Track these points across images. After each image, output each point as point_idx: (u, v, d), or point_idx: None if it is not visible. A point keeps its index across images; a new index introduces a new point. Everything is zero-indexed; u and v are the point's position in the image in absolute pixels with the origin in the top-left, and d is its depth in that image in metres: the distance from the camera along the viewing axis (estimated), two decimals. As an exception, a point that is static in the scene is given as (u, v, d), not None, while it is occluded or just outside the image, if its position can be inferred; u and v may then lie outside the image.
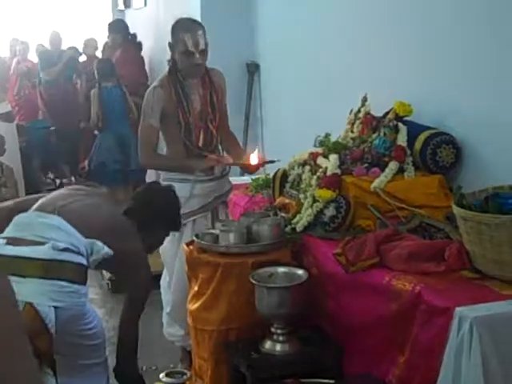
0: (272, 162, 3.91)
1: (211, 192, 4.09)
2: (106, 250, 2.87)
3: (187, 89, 4.03)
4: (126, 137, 7.45)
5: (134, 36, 8.62)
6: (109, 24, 8.79)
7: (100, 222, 3.04)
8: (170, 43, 4.03)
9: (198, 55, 3.94)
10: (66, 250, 2.77)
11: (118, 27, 8.63)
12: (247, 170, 4.07)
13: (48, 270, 2.73)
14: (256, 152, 3.93)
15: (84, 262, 2.84)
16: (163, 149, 4.21)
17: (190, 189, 4.00)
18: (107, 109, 7.42)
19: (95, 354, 2.97)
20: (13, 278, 2.60)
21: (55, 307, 2.73)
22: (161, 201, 3.38)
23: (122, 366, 3.12)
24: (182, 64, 3.98)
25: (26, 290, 2.64)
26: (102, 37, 9.30)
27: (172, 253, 4.02)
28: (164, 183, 4.16)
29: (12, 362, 0.79)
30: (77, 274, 2.83)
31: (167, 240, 4.15)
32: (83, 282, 2.86)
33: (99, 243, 2.86)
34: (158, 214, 3.32)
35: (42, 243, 2.76)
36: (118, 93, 7.54)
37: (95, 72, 7.64)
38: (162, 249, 4.23)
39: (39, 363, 2.67)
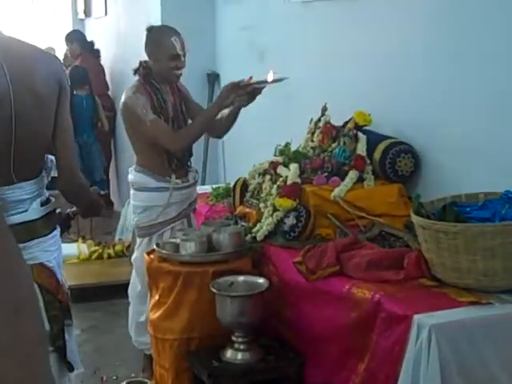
0: (280, 80, 3.71)
1: (186, 199, 4.09)
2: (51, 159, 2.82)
3: (164, 95, 4.03)
4: (92, 147, 7.40)
5: (92, 44, 8.58)
6: (66, 35, 8.70)
7: None
8: (148, 50, 4.00)
9: (183, 58, 3.96)
10: (47, 201, 2.74)
11: (75, 37, 8.57)
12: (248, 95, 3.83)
13: (44, 226, 2.70)
14: (271, 72, 3.72)
15: (54, 205, 2.80)
16: (132, 157, 4.16)
17: (167, 197, 3.99)
18: (77, 117, 7.37)
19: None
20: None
21: (55, 257, 2.74)
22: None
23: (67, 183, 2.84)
24: (165, 69, 3.95)
25: (32, 252, 2.63)
26: (62, 46, 9.24)
27: None
28: (132, 192, 4.14)
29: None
30: (57, 217, 2.82)
31: (140, 249, 4.13)
32: (57, 220, 2.86)
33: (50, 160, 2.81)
34: None
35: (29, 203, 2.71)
36: (90, 102, 7.49)
37: (68, 79, 7.55)
38: (134, 258, 4.21)
39: (62, 316, 2.72)
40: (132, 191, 4.16)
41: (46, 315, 2.66)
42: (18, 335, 0.76)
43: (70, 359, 2.76)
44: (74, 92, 7.42)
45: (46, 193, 2.74)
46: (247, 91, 3.81)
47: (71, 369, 2.76)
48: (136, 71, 4.05)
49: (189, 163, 4.19)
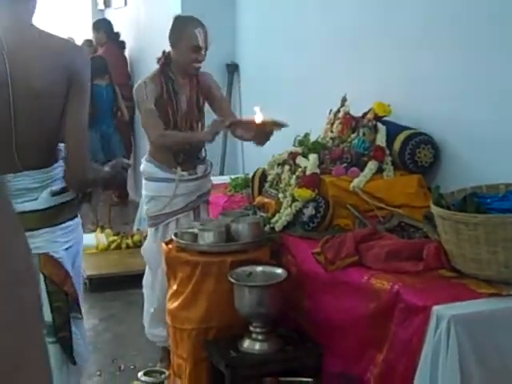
0: (282, 125, 3.67)
1: (194, 191, 4.09)
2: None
3: (177, 88, 4.01)
4: (111, 137, 7.42)
5: (117, 35, 8.61)
6: (93, 23, 8.77)
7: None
8: (172, 38, 4.00)
9: (203, 52, 3.96)
10: (61, 191, 2.74)
11: (102, 26, 8.62)
12: (256, 132, 3.78)
13: (53, 216, 2.70)
14: (258, 111, 3.71)
15: (73, 195, 2.80)
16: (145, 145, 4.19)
17: (173, 188, 4.00)
18: (97, 107, 7.39)
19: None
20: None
21: (66, 248, 2.74)
22: None
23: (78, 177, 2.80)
24: (185, 59, 3.96)
25: (39, 241, 2.64)
26: (82, 37, 9.27)
27: (155, 252, 3.99)
28: (143, 182, 4.16)
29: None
30: (75, 209, 2.82)
31: (150, 240, 4.15)
32: (78, 213, 2.85)
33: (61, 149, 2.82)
34: None
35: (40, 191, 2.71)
36: (110, 92, 7.52)
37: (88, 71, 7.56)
38: (143, 248, 4.25)
39: (68, 308, 2.72)
40: (143, 180, 4.20)
41: (50, 306, 2.67)
42: (13, 307, 0.76)
43: (76, 352, 2.76)
44: (94, 82, 7.44)
45: (61, 183, 2.73)
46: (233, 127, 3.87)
47: (73, 361, 2.76)
48: (158, 60, 4.07)
49: (200, 156, 4.18)
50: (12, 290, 0.76)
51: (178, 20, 4.06)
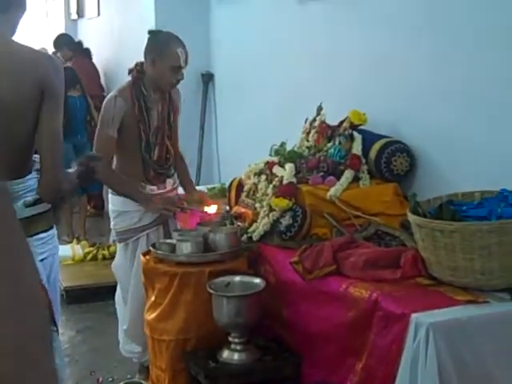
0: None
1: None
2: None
3: (149, 103, 3.92)
4: (85, 148, 7.39)
5: (80, 44, 8.55)
6: (54, 42, 8.64)
7: None
8: (151, 55, 3.86)
9: (183, 71, 3.90)
10: (35, 202, 2.72)
11: (64, 42, 8.52)
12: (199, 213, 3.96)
13: (27, 227, 2.65)
14: (215, 206, 3.90)
15: (48, 206, 2.78)
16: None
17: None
18: (70, 118, 7.37)
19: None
20: None
21: (41, 260, 2.72)
22: None
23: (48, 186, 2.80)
24: (163, 78, 3.85)
25: None
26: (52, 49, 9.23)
27: (126, 268, 3.94)
28: (109, 196, 4.10)
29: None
30: (50, 220, 2.79)
31: (120, 256, 4.09)
32: (53, 224, 2.83)
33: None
34: None
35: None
36: (83, 102, 7.50)
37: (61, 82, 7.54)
38: (114, 265, 4.17)
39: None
40: (109, 195, 4.11)
41: None
42: (19, 331, 0.75)
43: None
44: (68, 93, 7.42)
45: (35, 194, 2.72)
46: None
47: None
48: (130, 71, 3.98)
49: (169, 171, 4.10)
50: (19, 314, 0.75)
51: (157, 37, 3.94)
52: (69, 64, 8.31)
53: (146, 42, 3.97)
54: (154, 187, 3.99)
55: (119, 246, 4.11)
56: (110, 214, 4.12)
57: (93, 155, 3.07)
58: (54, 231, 2.83)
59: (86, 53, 8.51)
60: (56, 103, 2.67)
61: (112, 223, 4.10)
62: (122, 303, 4.18)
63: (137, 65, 3.96)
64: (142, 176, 3.96)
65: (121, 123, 3.85)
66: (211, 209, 3.87)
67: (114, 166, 4.02)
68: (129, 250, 3.98)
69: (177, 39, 3.93)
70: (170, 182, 4.08)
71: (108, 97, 3.98)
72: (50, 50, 9.19)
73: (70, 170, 2.91)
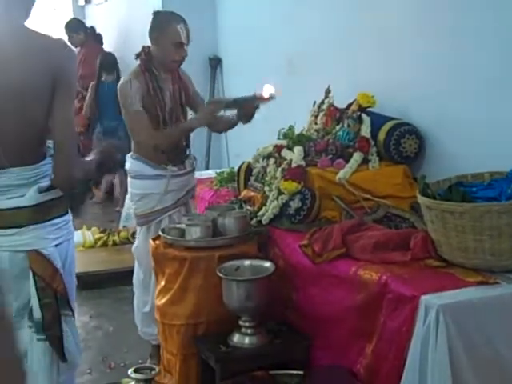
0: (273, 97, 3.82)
1: (184, 186, 4.07)
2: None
3: (161, 83, 3.99)
4: (116, 132, 7.42)
5: (93, 29, 8.55)
6: (65, 25, 8.64)
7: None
8: (153, 35, 3.96)
9: (186, 48, 3.94)
10: (49, 188, 2.72)
11: (80, 27, 8.53)
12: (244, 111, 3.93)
13: (41, 213, 2.69)
14: (268, 86, 3.85)
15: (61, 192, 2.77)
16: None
17: (163, 185, 3.98)
18: (102, 104, 7.42)
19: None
20: (11, 231, 2.62)
21: (56, 245, 2.73)
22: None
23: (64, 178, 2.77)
24: (167, 56, 3.93)
25: (27, 238, 2.65)
26: (63, 33, 9.21)
27: (147, 251, 3.98)
28: (129, 180, 4.13)
29: None
30: (64, 206, 2.79)
31: (140, 238, 4.12)
32: (68, 209, 2.83)
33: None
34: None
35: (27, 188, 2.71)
36: (115, 88, 7.54)
37: (97, 65, 7.64)
38: (135, 247, 4.20)
39: (57, 307, 2.71)
40: (129, 179, 4.14)
41: (39, 303, 2.68)
42: None
43: (66, 350, 2.76)
44: (102, 78, 7.53)
45: (49, 180, 2.72)
46: (231, 107, 3.92)
47: (64, 359, 2.76)
48: (138, 56, 4.02)
49: (187, 151, 4.16)
50: None
51: (159, 16, 4.02)
52: (82, 50, 8.33)
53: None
54: (175, 168, 4.03)
55: (140, 230, 4.14)
56: (130, 198, 4.16)
57: (113, 143, 3.07)
58: (69, 217, 2.83)
59: (98, 38, 8.51)
60: (68, 90, 2.66)
61: (133, 207, 4.14)
62: (140, 286, 4.20)
63: (144, 48, 4.00)
64: (162, 157, 4.00)
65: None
66: (266, 91, 3.82)
67: (134, 150, 4.07)
68: (151, 233, 3.99)
69: (177, 16, 3.98)
70: (188, 163, 4.13)
71: (121, 81, 4.03)
72: (59, 36, 9.19)
73: (87, 158, 2.90)
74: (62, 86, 2.62)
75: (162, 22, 3.94)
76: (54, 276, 2.71)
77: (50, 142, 2.75)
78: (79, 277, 5.49)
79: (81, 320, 4.86)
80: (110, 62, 7.63)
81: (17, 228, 2.65)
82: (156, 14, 4.05)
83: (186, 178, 4.08)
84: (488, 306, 2.53)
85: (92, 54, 8.14)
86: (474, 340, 2.48)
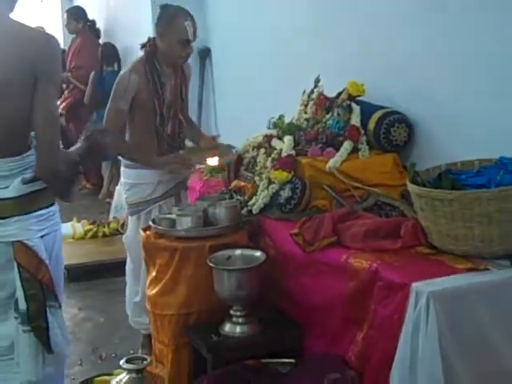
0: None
1: (174, 178, 4.08)
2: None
3: (162, 77, 3.99)
4: None
5: (94, 22, 8.53)
6: (68, 11, 8.64)
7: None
8: (160, 29, 3.95)
9: (192, 44, 3.95)
10: (33, 179, 2.71)
11: (78, 14, 8.51)
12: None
13: (26, 204, 2.68)
14: (216, 158, 4.00)
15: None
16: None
17: (154, 175, 3.99)
18: (103, 94, 7.43)
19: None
20: None
21: (41, 236, 2.72)
22: None
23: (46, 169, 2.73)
24: (173, 52, 3.93)
25: (11, 229, 2.65)
26: (52, 23, 9.18)
27: (137, 241, 3.98)
28: (122, 169, 4.14)
29: None
30: (49, 197, 2.78)
31: (132, 229, 4.13)
32: (54, 201, 2.82)
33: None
34: None
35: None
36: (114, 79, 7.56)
37: (99, 56, 7.67)
38: (126, 236, 4.23)
39: (43, 298, 2.71)
40: (122, 168, 4.16)
41: (24, 294, 2.67)
42: None
43: (53, 341, 2.75)
44: (104, 68, 7.57)
45: (32, 171, 2.70)
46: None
47: (50, 351, 2.76)
48: (143, 46, 4.03)
49: (182, 144, 4.18)
50: None
51: (166, 10, 3.99)
52: (77, 38, 8.32)
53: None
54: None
55: (131, 219, 4.17)
56: (120, 187, 4.19)
57: (100, 128, 3.04)
58: (55, 208, 2.83)
59: (96, 32, 8.49)
60: (51, 82, 2.64)
61: (124, 196, 4.18)
62: (132, 276, 4.21)
63: (149, 40, 4.02)
64: (157, 150, 4.03)
65: (135, 98, 3.93)
66: (212, 161, 3.97)
67: (130, 138, 4.09)
68: (141, 223, 4.01)
69: (184, 12, 3.97)
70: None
71: (122, 73, 4.07)
72: (47, 27, 9.17)
73: (72, 149, 2.88)
74: (45, 78, 2.61)
75: (169, 18, 3.93)
76: (39, 267, 2.70)
77: (33, 134, 2.74)
78: (68, 269, 5.53)
79: (70, 312, 4.86)
80: (110, 53, 7.68)
81: (1, 219, 2.65)
82: (163, 7, 4.03)
83: None
84: (478, 292, 2.54)
85: (87, 46, 8.16)
86: (464, 326, 2.49)
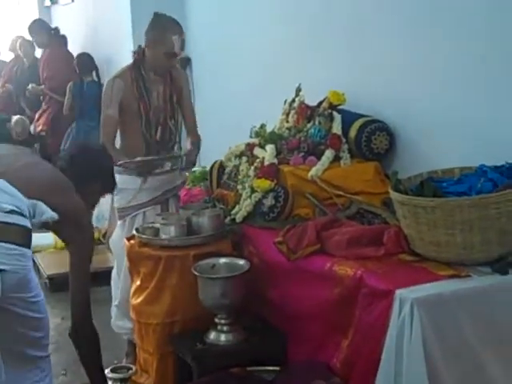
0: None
1: (161, 185, 4.11)
2: (50, 213, 2.78)
3: (148, 84, 4.05)
4: (92, 131, 7.42)
5: (57, 31, 8.46)
6: (29, 27, 8.53)
7: (42, 179, 2.94)
8: (148, 39, 4.01)
9: (178, 57, 4.02)
10: (11, 212, 2.69)
11: (41, 27, 8.43)
12: None
13: None
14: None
15: (28, 224, 2.73)
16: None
17: (140, 182, 4.00)
18: (85, 102, 7.41)
19: (41, 342, 2.86)
20: None
21: (1, 270, 2.60)
22: (95, 161, 3.21)
23: (77, 326, 3.03)
24: (158, 63, 4.00)
25: None
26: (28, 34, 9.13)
27: (122, 245, 3.99)
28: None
29: None
30: (22, 237, 2.71)
31: (117, 232, 4.15)
32: (28, 246, 2.74)
33: (42, 205, 2.78)
34: (93, 174, 3.17)
35: None
36: (95, 89, 7.51)
37: (76, 67, 7.63)
38: (112, 240, 4.25)
39: None
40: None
41: None
42: None
43: None
44: (83, 78, 7.55)
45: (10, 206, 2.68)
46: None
47: None
48: (134, 54, 4.10)
49: (172, 151, 4.22)
50: None
51: (157, 22, 4.04)
52: (45, 52, 8.27)
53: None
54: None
55: (118, 223, 4.20)
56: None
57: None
58: (26, 252, 2.73)
59: (63, 40, 8.42)
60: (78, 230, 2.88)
61: (114, 200, 4.22)
62: (116, 279, 4.23)
63: (140, 47, 4.09)
64: (145, 154, 4.05)
65: (121, 103, 3.99)
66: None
67: (118, 146, 4.14)
68: (125, 228, 4.04)
69: (175, 26, 4.03)
70: (168, 163, 4.17)
71: (107, 80, 4.13)
72: (25, 36, 9.13)
73: None
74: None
75: (159, 30, 3.98)
76: None
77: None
78: (51, 278, 5.51)
79: (53, 322, 4.83)
80: (85, 63, 7.62)
81: None
82: (156, 17, 4.07)
83: (164, 177, 4.12)
84: (460, 299, 2.57)
85: (56, 55, 8.09)
86: (447, 332, 2.52)
